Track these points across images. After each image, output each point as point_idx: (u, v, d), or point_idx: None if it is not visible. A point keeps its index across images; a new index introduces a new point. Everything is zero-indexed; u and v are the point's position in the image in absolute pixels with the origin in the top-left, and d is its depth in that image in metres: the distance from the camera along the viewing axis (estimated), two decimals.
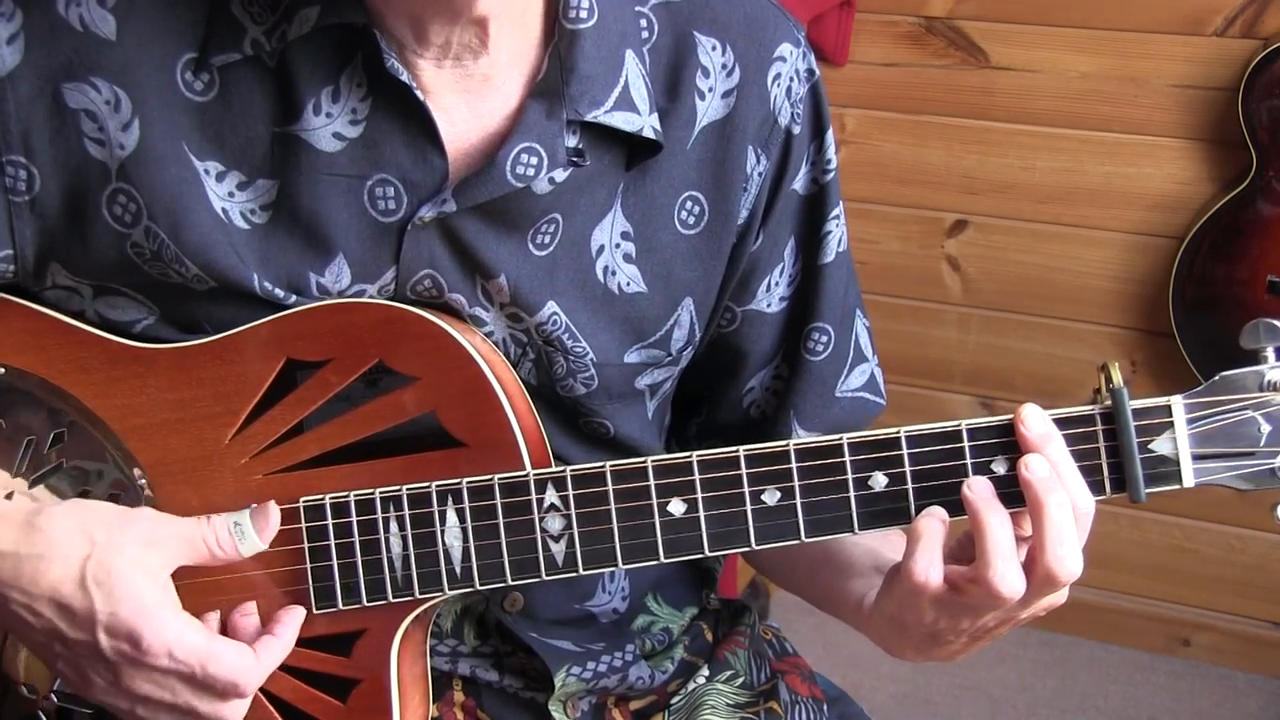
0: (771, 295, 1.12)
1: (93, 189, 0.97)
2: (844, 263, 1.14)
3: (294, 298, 0.99)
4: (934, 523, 0.90)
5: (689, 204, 1.06)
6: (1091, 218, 2.58)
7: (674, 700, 1.17)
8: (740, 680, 1.19)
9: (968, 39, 2.58)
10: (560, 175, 0.99)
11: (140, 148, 0.96)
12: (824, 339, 1.14)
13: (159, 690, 0.90)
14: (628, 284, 1.06)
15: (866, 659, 2.69)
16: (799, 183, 1.10)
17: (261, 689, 0.97)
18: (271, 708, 0.97)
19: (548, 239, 1.02)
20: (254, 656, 0.92)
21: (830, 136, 1.11)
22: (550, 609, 1.10)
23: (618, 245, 1.05)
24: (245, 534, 0.93)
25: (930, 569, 0.89)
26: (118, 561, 0.89)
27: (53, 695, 1.00)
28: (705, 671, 1.18)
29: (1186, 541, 2.68)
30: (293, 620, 0.95)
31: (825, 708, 1.21)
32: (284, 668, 0.97)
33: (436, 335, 0.96)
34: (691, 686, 1.17)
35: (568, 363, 1.04)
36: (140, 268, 0.98)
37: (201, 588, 0.96)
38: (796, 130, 1.08)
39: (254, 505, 0.95)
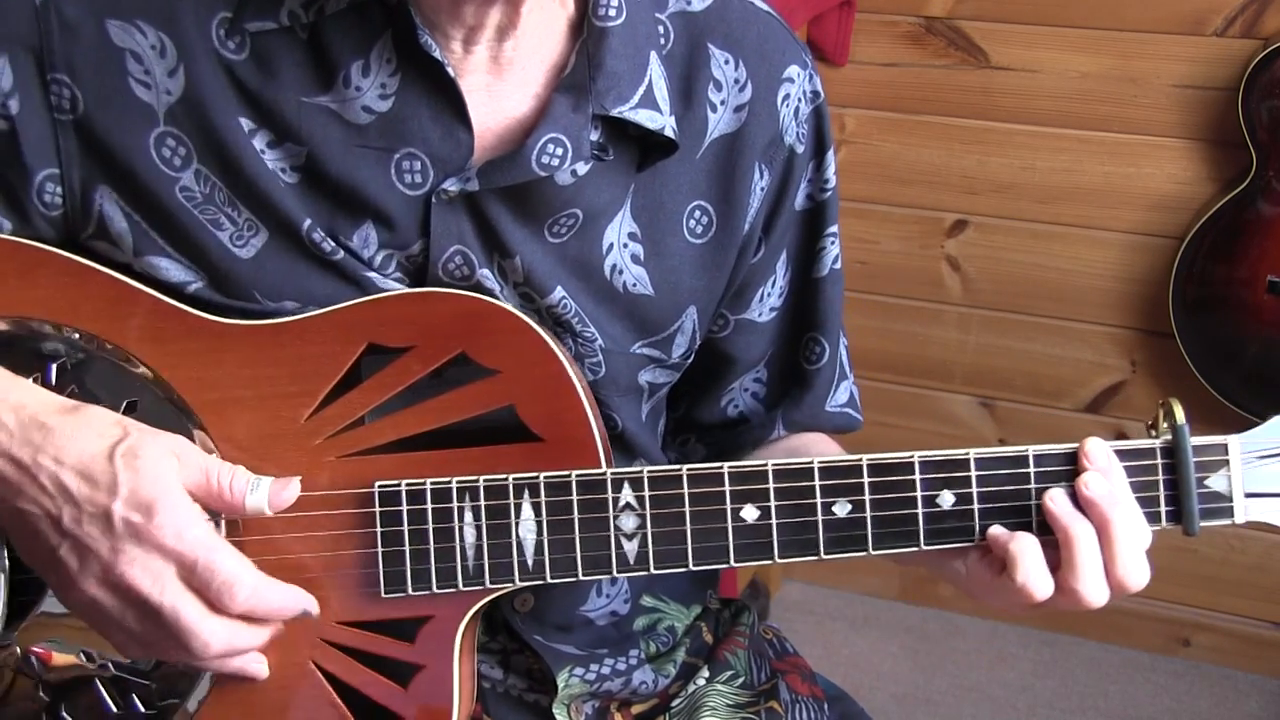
0: (763, 305, 1.15)
1: (139, 130, 0.98)
2: (838, 279, 1.16)
3: (340, 254, 1.00)
4: (1027, 537, 0.91)
5: (697, 213, 1.07)
6: (1091, 218, 2.58)
7: (674, 702, 1.17)
8: (740, 680, 1.19)
9: (968, 39, 2.58)
10: (583, 168, 1.01)
11: (186, 94, 0.98)
12: (818, 349, 1.16)
13: (150, 581, 0.89)
14: (634, 285, 1.07)
15: (866, 659, 2.70)
16: (798, 199, 1.12)
17: (322, 669, 0.97)
18: (331, 689, 0.97)
19: (564, 230, 1.03)
20: (255, 571, 0.92)
21: (831, 156, 1.13)
22: (557, 612, 1.11)
23: (625, 245, 1.06)
24: (259, 489, 0.93)
25: (1046, 581, 0.91)
26: (146, 450, 0.91)
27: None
28: (705, 672, 1.19)
29: (1186, 541, 2.68)
30: (297, 590, 0.95)
31: (825, 707, 1.21)
32: (346, 650, 0.98)
33: (520, 330, 0.97)
34: (691, 688, 1.18)
35: (576, 345, 1.06)
36: (182, 216, 0.99)
37: (271, 565, 0.96)
38: (800, 149, 1.10)
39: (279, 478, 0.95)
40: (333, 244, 1.00)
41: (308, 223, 0.99)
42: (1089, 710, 2.60)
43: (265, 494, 0.93)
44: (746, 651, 1.22)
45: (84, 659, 0.99)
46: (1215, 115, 2.43)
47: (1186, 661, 2.72)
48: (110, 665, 0.99)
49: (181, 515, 0.90)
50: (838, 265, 1.16)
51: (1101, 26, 2.47)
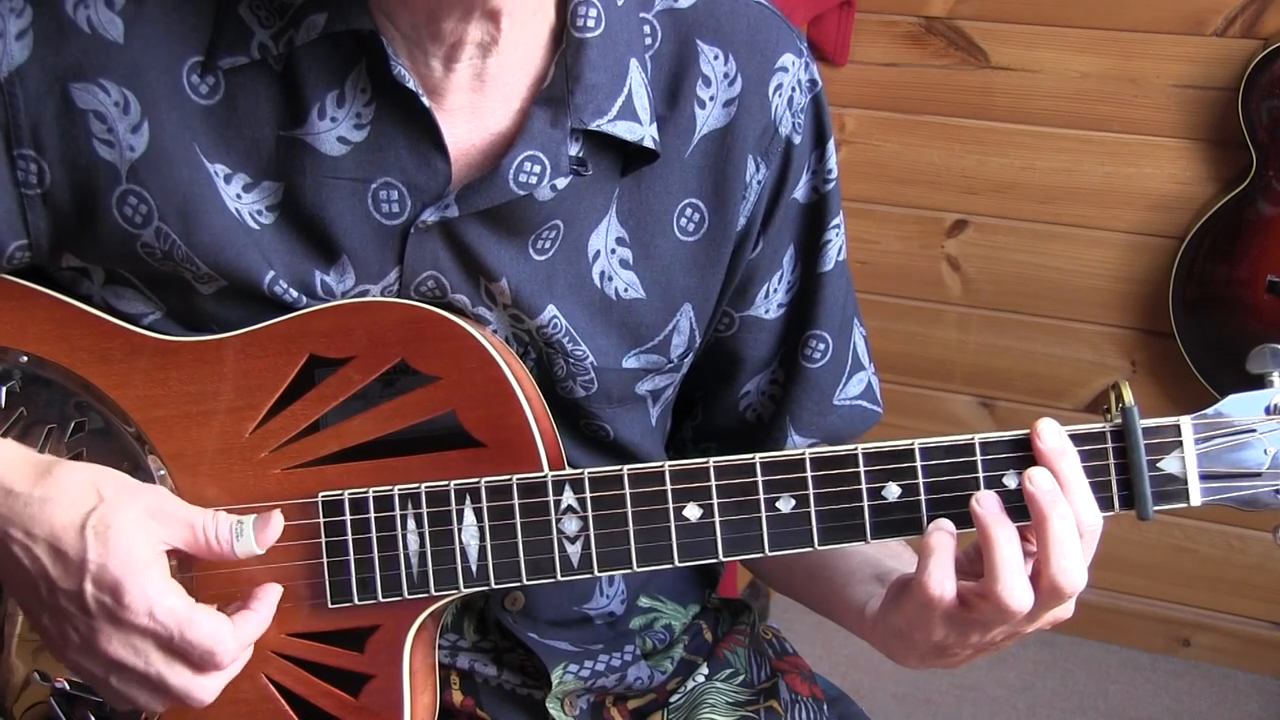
0: (770, 302, 1.13)
1: (102, 189, 0.97)
2: (843, 272, 1.14)
3: (304, 299, 0.99)
4: (943, 536, 0.91)
5: (688, 211, 1.06)
6: (1091, 218, 2.58)
7: (673, 699, 1.17)
8: (740, 678, 1.19)
9: (968, 39, 2.58)
10: (562, 183, 0.99)
11: (150, 150, 0.96)
12: (821, 346, 1.14)
13: (132, 655, 0.90)
14: (625, 290, 1.06)
15: (866, 659, 2.69)
16: (800, 191, 1.10)
17: (273, 681, 0.97)
18: (283, 701, 0.97)
19: (548, 244, 1.02)
20: (232, 627, 0.92)
21: (832, 146, 1.11)
22: (550, 610, 1.10)
23: (613, 251, 1.05)
24: (244, 534, 0.93)
25: (944, 582, 0.90)
26: (119, 519, 0.90)
27: (65, 682, 0.99)
28: (704, 670, 1.19)
29: (1186, 541, 2.68)
30: (269, 597, 0.95)
31: (825, 707, 1.21)
32: (297, 661, 0.97)
33: (460, 336, 0.97)
34: (691, 685, 1.18)
35: (567, 365, 1.05)
36: (150, 264, 0.99)
37: (219, 579, 0.97)
38: (797, 140, 1.08)
39: (260, 514, 0.95)
40: (296, 293, 0.99)
41: (269, 275, 0.98)
42: (1089, 710, 2.60)
43: (252, 536, 0.93)
44: (746, 650, 1.22)
45: (39, 678, 1.00)
46: (1215, 115, 2.43)
47: (1186, 661, 2.72)
48: (66, 684, 0.99)
49: (151, 590, 0.89)
50: (842, 258, 1.14)
51: (1101, 26, 2.47)
